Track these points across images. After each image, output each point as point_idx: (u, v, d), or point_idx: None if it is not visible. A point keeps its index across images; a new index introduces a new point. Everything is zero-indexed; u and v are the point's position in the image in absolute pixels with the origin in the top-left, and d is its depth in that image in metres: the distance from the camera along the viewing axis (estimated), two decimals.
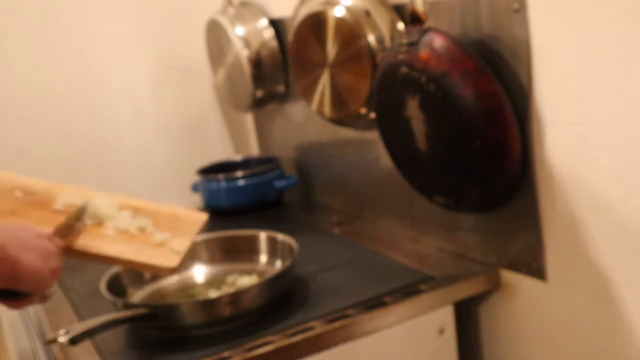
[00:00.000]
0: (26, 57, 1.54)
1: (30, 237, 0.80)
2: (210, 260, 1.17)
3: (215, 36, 1.56)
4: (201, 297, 1.04)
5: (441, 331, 1.02)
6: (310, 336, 0.92)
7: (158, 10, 1.66)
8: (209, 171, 1.55)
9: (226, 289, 1.06)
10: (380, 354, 0.97)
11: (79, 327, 0.87)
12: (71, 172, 1.57)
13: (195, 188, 1.56)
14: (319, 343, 0.92)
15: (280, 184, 1.49)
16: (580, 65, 0.85)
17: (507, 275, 1.03)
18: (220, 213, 1.51)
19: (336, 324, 0.93)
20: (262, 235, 1.16)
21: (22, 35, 1.53)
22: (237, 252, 1.16)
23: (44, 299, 0.83)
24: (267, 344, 0.90)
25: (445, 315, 1.02)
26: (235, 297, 0.96)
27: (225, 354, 0.89)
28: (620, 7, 0.79)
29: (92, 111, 1.61)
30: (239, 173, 1.49)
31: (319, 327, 0.93)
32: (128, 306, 0.97)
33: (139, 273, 1.09)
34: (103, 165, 1.62)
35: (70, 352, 0.97)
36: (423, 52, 0.93)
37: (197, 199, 1.58)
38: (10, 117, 1.53)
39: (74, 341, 0.86)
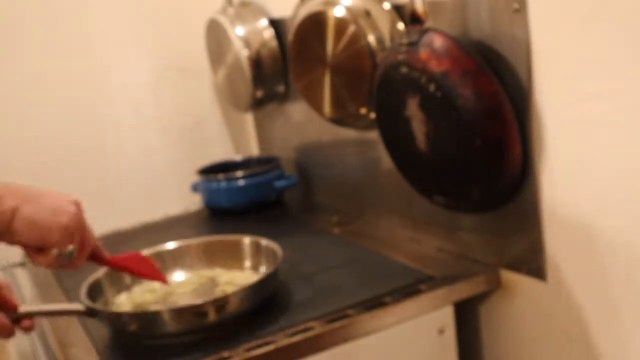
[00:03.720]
0: (26, 57, 1.54)
1: (48, 196, 0.81)
2: (192, 266, 1.14)
3: (215, 36, 1.56)
4: (152, 307, 1.03)
5: (441, 331, 1.02)
6: (310, 336, 0.92)
7: (158, 10, 1.65)
8: (209, 171, 1.55)
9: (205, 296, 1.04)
10: (380, 354, 0.97)
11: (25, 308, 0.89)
12: (71, 172, 1.57)
13: (195, 188, 1.57)
14: (319, 343, 0.92)
15: (280, 184, 1.49)
16: (580, 65, 0.84)
17: (507, 275, 1.03)
18: (220, 213, 1.51)
19: (336, 324, 0.93)
20: (246, 240, 1.14)
21: (22, 35, 1.53)
22: (221, 258, 1.14)
23: (66, 262, 0.84)
24: (267, 344, 0.90)
25: (445, 315, 1.02)
26: (209, 306, 0.94)
27: (225, 353, 0.89)
28: (620, 7, 0.78)
29: (92, 111, 1.61)
30: (239, 173, 1.49)
31: (319, 327, 0.93)
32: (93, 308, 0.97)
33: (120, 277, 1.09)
34: (103, 166, 1.62)
35: (70, 352, 0.97)
36: (423, 52, 0.93)
37: (197, 199, 1.58)
38: (10, 118, 1.53)
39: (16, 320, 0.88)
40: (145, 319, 0.95)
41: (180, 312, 0.94)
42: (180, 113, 1.70)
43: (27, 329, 0.88)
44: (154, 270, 1.03)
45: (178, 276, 1.13)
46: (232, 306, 0.95)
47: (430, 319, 1.00)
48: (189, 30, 1.65)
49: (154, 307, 1.03)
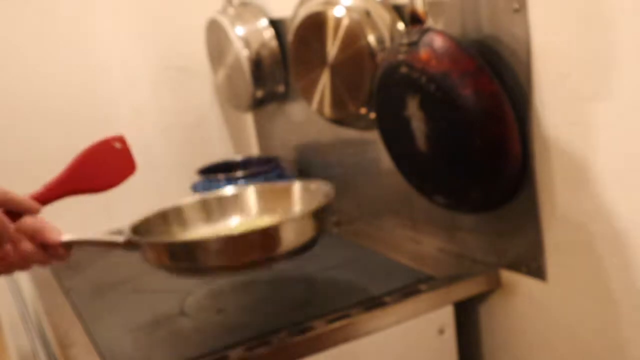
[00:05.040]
0: (26, 57, 1.54)
1: None
2: (245, 213, 1.09)
3: (215, 36, 1.56)
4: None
5: (441, 331, 1.02)
6: (310, 336, 0.92)
7: (158, 10, 1.66)
8: (209, 171, 1.55)
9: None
10: (380, 354, 0.97)
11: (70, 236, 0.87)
12: None
13: (195, 188, 1.56)
14: (319, 343, 0.92)
15: None
16: (581, 65, 0.84)
17: (507, 275, 1.03)
18: None
19: (336, 324, 0.93)
20: (297, 186, 1.09)
21: (22, 35, 1.53)
22: (273, 205, 1.09)
23: None
24: (266, 343, 0.90)
25: (445, 315, 1.02)
26: (258, 235, 0.88)
27: (225, 353, 0.89)
28: (620, 7, 0.79)
29: (92, 111, 1.61)
30: (239, 173, 1.49)
31: (319, 327, 0.93)
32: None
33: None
34: None
35: (70, 352, 0.97)
36: (423, 52, 0.93)
37: None
38: (10, 117, 1.53)
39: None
40: (192, 247, 0.89)
41: (234, 240, 0.88)
42: (180, 113, 1.70)
43: (61, 258, 0.86)
44: (119, 161, 0.93)
45: (233, 221, 1.08)
46: (287, 236, 0.89)
47: (430, 319, 1.00)
48: (189, 30, 1.65)
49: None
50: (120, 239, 0.91)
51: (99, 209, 1.50)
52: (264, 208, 1.09)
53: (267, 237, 0.89)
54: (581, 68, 0.84)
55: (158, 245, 0.92)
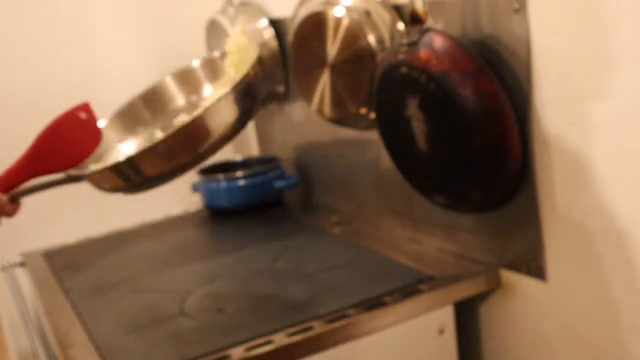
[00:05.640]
0: (26, 57, 1.54)
1: None
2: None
3: (215, 36, 1.56)
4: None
5: (441, 331, 1.02)
6: (310, 336, 0.92)
7: (158, 10, 1.66)
8: (209, 171, 1.55)
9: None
10: (380, 354, 0.97)
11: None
12: None
13: (195, 188, 1.57)
14: (319, 343, 0.92)
15: (280, 184, 1.49)
16: (581, 65, 0.85)
17: (507, 275, 1.03)
18: (220, 213, 1.51)
19: (336, 324, 0.93)
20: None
21: (22, 35, 1.53)
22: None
23: None
24: (267, 343, 0.90)
25: (445, 315, 1.02)
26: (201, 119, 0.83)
27: (225, 353, 0.89)
28: (620, 7, 0.79)
29: None
30: (239, 173, 1.49)
31: (319, 327, 0.93)
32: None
33: None
34: None
35: (70, 352, 0.97)
36: (423, 52, 0.93)
37: (197, 199, 1.58)
38: (10, 118, 1.53)
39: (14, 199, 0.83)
40: (129, 164, 0.82)
41: (178, 134, 0.82)
42: None
43: (9, 214, 0.82)
44: (84, 132, 0.86)
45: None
46: (216, 117, 0.85)
47: (430, 319, 1.00)
48: (189, 30, 1.65)
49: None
50: (61, 175, 0.84)
51: (101, 208, 1.50)
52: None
53: (195, 127, 0.83)
54: (581, 68, 0.85)
55: (101, 172, 0.84)
